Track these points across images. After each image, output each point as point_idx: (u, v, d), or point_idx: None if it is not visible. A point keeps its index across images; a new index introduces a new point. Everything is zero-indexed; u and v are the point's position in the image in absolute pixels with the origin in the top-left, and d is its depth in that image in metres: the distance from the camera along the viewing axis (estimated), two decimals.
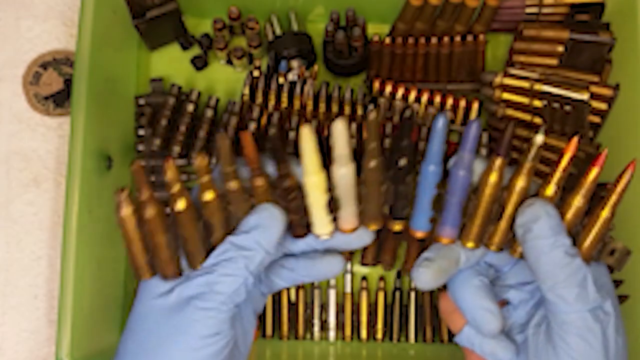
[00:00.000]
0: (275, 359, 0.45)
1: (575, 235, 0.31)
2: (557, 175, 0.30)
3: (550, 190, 0.30)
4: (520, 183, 0.30)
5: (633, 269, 0.42)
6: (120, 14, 0.46)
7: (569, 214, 0.31)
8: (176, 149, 0.45)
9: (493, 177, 0.30)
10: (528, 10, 0.48)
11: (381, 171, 0.32)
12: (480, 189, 0.31)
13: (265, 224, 0.31)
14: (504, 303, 0.35)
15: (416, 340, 0.48)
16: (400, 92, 0.47)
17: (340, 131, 0.30)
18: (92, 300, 0.42)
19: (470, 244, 0.32)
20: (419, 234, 0.33)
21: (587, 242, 0.31)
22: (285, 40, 0.48)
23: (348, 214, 0.32)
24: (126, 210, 0.31)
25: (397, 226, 0.33)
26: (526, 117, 0.46)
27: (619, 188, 0.31)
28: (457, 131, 0.48)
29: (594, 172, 0.30)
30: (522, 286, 0.34)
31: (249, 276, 0.30)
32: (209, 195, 0.31)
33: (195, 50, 0.51)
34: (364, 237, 0.33)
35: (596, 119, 0.46)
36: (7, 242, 0.49)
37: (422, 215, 0.32)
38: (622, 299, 0.43)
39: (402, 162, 0.32)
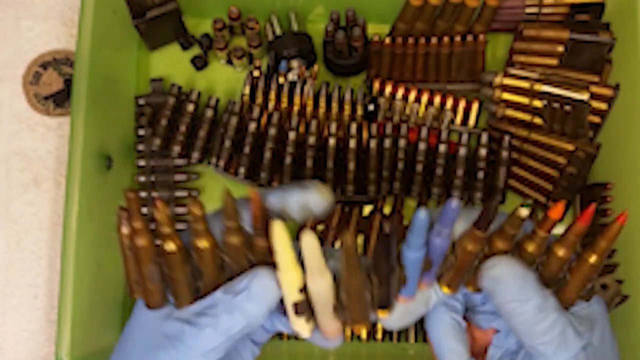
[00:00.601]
0: (275, 359, 0.45)
1: (559, 280, 0.31)
2: (540, 235, 0.30)
3: (531, 247, 0.30)
4: (500, 246, 0.30)
5: (633, 269, 0.43)
6: (120, 14, 0.46)
7: (553, 265, 0.30)
8: (176, 149, 0.45)
9: (470, 247, 0.30)
10: (528, 10, 0.48)
11: (364, 284, 0.30)
12: (458, 253, 0.31)
13: (258, 295, 0.29)
14: (494, 331, 0.35)
15: (416, 340, 0.48)
16: (400, 92, 0.47)
17: (309, 245, 0.28)
18: (91, 300, 0.42)
19: (446, 289, 0.32)
20: (403, 300, 0.32)
21: (573, 287, 0.30)
22: (285, 40, 0.48)
23: (326, 322, 0.31)
24: (125, 230, 0.30)
25: (383, 314, 0.32)
26: (526, 117, 0.46)
27: (609, 235, 0.30)
28: (457, 131, 0.48)
29: (579, 227, 0.29)
30: None
31: (226, 341, 0.29)
32: (202, 244, 0.29)
33: (195, 50, 0.51)
34: (337, 343, 0.32)
35: (596, 119, 0.46)
36: (7, 242, 0.49)
37: (410, 286, 0.32)
38: (622, 298, 0.43)
39: (385, 269, 0.31)
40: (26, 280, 0.49)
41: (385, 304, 0.32)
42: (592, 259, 0.30)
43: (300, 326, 0.31)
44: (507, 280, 0.29)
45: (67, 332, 0.39)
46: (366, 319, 0.31)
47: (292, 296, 0.29)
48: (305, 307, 0.30)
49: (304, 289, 0.29)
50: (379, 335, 0.48)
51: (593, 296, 0.32)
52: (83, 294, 0.41)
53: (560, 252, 0.30)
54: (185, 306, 0.30)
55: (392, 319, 0.32)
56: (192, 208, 0.29)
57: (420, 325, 0.48)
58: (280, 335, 0.47)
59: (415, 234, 0.30)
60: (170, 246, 0.29)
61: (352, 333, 0.48)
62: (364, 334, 0.47)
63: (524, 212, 0.29)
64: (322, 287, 0.29)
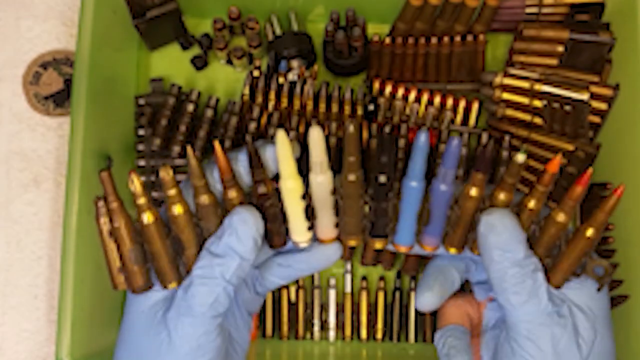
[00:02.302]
0: (275, 359, 0.45)
1: (555, 248, 0.32)
2: (539, 189, 0.31)
3: (532, 204, 0.31)
4: (502, 197, 0.31)
5: (633, 269, 0.43)
6: (120, 14, 0.46)
7: (551, 229, 0.31)
8: (176, 149, 0.45)
9: (473, 192, 0.31)
10: (528, 10, 0.48)
11: (361, 185, 0.31)
12: (460, 202, 0.31)
13: (238, 228, 0.30)
14: (491, 299, 0.37)
15: (416, 340, 0.48)
16: (400, 92, 0.47)
17: (316, 138, 0.30)
18: (92, 300, 0.42)
19: (452, 250, 0.33)
20: (403, 249, 0.33)
21: (567, 260, 0.31)
22: (285, 40, 0.48)
23: (325, 223, 0.32)
24: (102, 218, 0.31)
25: (378, 244, 0.33)
26: (526, 117, 0.46)
27: (606, 208, 0.31)
28: (457, 131, 0.48)
29: (577, 191, 0.30)
30: None
31: (226, 285, 0.30)
32: (177, 210, 0.30)
33: (195, 50, 0.51)
34: (338, 252, 0.33)
35: (596, 119, 0.46)
36: (7, 242, 0.49)
37: (407, 230, 0.32)
38: (622, 299, 0.43)
39: (382, 178, 0.31)
40: (26, 280, 0.49)
41: (380, 233, 0.32)
42: (589, 232, 0.31)
43: (302, 234, 0.32)
44: (499, 228, 0.31)
45: (67, 332, 0.39)
46: (360, 231, 0.32)
47: (295, 203, 0.31)
48: (310, 213, 0.31)
49: (304, 196, 0.31)
50: (379, 335, 0.48)
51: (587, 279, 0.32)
52: (83, 294, 0.41)
53: (559, 217, 0.31)
54: (171, 285, 0.31)
55: (432, 303, 0.34)
56: (162, 173, 0.30)
57: (420, 325, 0.48)
58: (280, 335, 0.48)
59: (416, 160, 0.30)
60: (148, 217, 0.30)
61: (352, 333, 0.48)
62: (364, 333, 0.48)
63: (521, 157, 0.30)
64: (323, 183, 0.31)
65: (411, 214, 0.32)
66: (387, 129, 0.32)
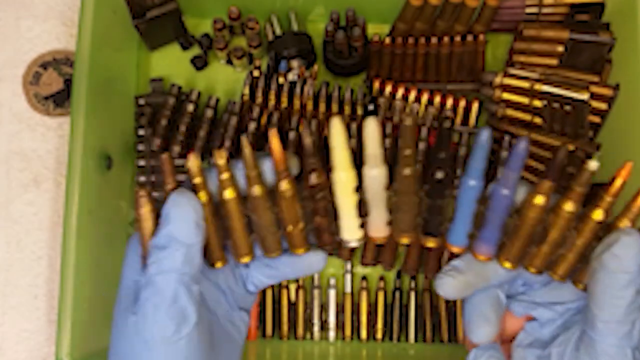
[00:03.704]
0: (275, 359, 0.45)
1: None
2: (607, 199, 0.29)
3: (599, 214, 0.29)
4: (569, 207, 0.29)
5: None
6: (120, 14, 0.46)
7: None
8: (176, 149, 0.45)
9: (539, 200, 0.28)
10: (528, 10, 0.48)
11: (416, 180, 0.29)
12: (523, 211, 0.29)
13: (171, 214, 0.28)
14: (529, 318, 0.34)
15: (416, 340, 0.48)
16: (400, 92, 0.47)
17: (372, 130, 0.28)
18: (91, 300, 0.42)
19: (507, 265, 0.30)
20: (456, 249, 0.31)
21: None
22: (285, 40, 0.48)
23: (378, 220, 0.30)
24: (146, 208, 0.29)
25: (431, 243, 0.31)
26: (526, 117, 0.46)
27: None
28: (457, 131, 0.48)
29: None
30: (553, 305, 0.33)
31: (181, 276, 0.28)
32: (229, 194, 0.29)
33: (195, 50, 0.51)
34: (323, 262, 0.32)
35: (596, 119, 0.46)
36: (7, 242, 0.49)
37: (460, 230, 0.30)
38: None
39: (439, 174, 0.29)
40: (26, 280, 0.49)
41: (435, 232, 0.30)
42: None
43: (354, 232, 0.30)
44: (636, 252, 0.28)
45: (67, 332, 0.39)
46: (414, 229, 0.30)
47: (348, 196, 0.29)
48: (362, 209, 0.29)
49: (358, 189, 0.29)
50: (379, 335, 0.48)
51: None
52: (83, 294, 0.41)
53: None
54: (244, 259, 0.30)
55: (454, 288, 0.31)
56: (217, 159, 0.28)
57: (420, 325, 0.48)
58: (280, 335, 0.48)
59: (477, 157, 0.28)
60: (202, 197, 0.29)
61: (352, 333, 0.48)
62: (364, 333, 0.47)
63: (594, 164, 0.28)
64: (378, 177, 0.29)
65: (467, 214, 0.30)
66: (446, 124, 0.30)
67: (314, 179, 0.29)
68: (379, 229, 0.30)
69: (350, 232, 0.30)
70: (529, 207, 0.29)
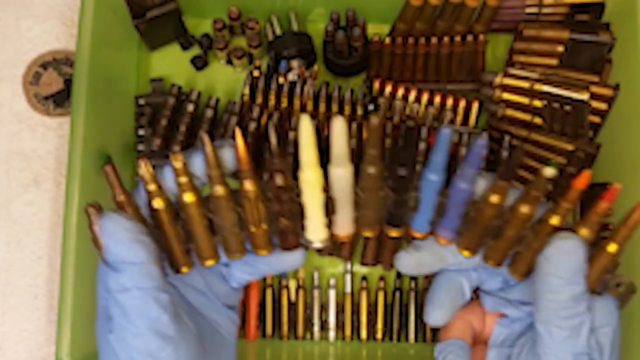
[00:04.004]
0: (275, 359, 0.45)
1: None
2: (564, 205, 0.30)
3: (555, 220, 0.30)
4: (524, 210, 0.30)
5: (634, 269, 0.42)
6: (120, 14, 0.46)
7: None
8: (176, 148, 0.45)
9: (494, 198, 0.30)
10: (528, 10, 0.48)
11: (380, 178, 0.30)
12: (479, 206, 0.30)
13: (106, 242, 0.27)
14: (500, 314, 0.35)
15: (416, 340, 0.48)
16: (400, 92, 0.47)
17: (339, 129, 0.29)
18: (91, 300, 0.42)
19: (465, 253, 0.32)
20: (418, 235, 0.33)
21: (591, 276, 0.30)
22: (285, 40, 0.48)
23: (344, 219, 0.31)
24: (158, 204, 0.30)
25: (394, 232, 0.32)
26: (526, 117, 0.46)
27: (630, 223, 0.29)
28: (457, 131, 0.48)
29: (602, 206, 0.30)
30: (523, 305, 0.34)
31: (145, 292, 0.27)
32: (188, 198, 0.28)
33: (195, 50, 0.51)
34: (300, 259, 0.32)
35: (596, 119, 0.46)
36: (7, 242, 0.49)
37: (423, 218, 0.32)
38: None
39: (402, 171, 0.31)
40: (26, 280, 0.49)
41: (398, 223, 0.32)
42: (612, 248, 0.29)
43: (319, 232, 0.30)
44: (571, 256, 0.29)
45: (67, 332, 0.39)
46: (378, 223, 0.32)
47: (315, 196, 0.29)
48: (331, 207, 0.30)
49: (325, 189, 0.29)
50: (379, 335, 0.48)
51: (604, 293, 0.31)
52: (83, 293, 0.41)
53: (582, 232, 0.30)
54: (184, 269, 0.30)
55: (408, 264, 0.33)
56: (174, 162, 0.28)
57: (420, 325, 0.48)
58: (280, 335, 0.48)
59: (438, 152, 0.30)
60: (159, 203, 0.29)
61: (352, 333, 0.48)
62: (364, 333, 0.47)
63: (550, 171, 0.29)
64: (345, 176, 0.29)
65: (429, 205, 0.31)
66: (410, 123, 0.32)
67: (279, 180, 0.29)
68: (344, 226, 0.31)
69: (315, 232, 0.30)
70: (484, 204, 0.30)
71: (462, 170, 0.30)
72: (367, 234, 0.32)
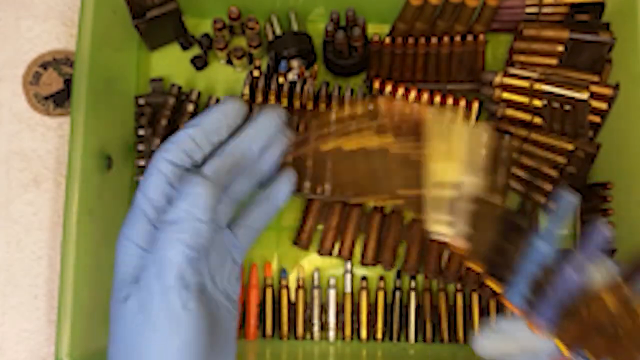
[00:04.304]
0: (275, 359, 0.45)
1: None
2: None
3: None
4: None
5: None
6: (120, 14, 0.46)
7: None
8: None
9: (611, 302, 0.25)
10: (528, 10, 0.48)
11: (499, 212, 0.28)
12: (592, 307, 0.26)
13: (191, 191, 0.29)
14: None
15: (416, 340, 0.48)
16: (400, 92, 0.47)
17: (483, 139, 0.28)
18: (91, 300, 0.42)
19: (562, 349, 0.27)
20: (509, 305, 0.29)
21: None
22: (285, 40, 0.48)
23: (459, 230, 0.29)
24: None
25: (491, 283, 0.29)
26: (526, 116, 0.46)
27: None
28: None
29: None
30: None
31: (189, 253, 0.29)
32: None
33: (195, 50, 0.51)
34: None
35: (596, 119, 0.46)
36: (7, 242, 0.49)
37: (517, 288, 0.28)
38: None
39: (523, 222, 0.28)
40: (26, 280, 0.49)
41: (500, 276, 0.28)
42: None
43: (441, 226, 0.29)
44: None
45: (66, 332, 0.39)
46: (481, 260, 0.29)
47: (445, 186, 0.28)
48: (455, 208, 0.28)
49: (456, 188, 0.28)
50: (379, 335, 0.48)
51: None
52: (83, 293, 0.41)
53: None
54: None
55: (487, 347, 0.29)
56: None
57: (420, 325, 0.48)
58: (280, 335, 0.48)
59: (557, 221, 0.26)
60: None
61: (352, 333, 0.48)
62: (364, 333, 0.47)
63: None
64: (475, 186, 0.28)
65: (525, 276, 0.27)
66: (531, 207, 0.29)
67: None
68: (459, 239, 0.29)
69: (438, 225, 0.29)
70: (599, 309, 0.25)
71: (576, 258, 0.26)
72: (473, 265, 0.29)
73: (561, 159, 0.45)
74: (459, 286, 0.48)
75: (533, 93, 0.45)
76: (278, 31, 0.49)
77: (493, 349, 0.29)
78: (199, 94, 0.46)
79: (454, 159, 0.28)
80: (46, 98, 0.51)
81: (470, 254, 0.29)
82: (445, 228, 0.29)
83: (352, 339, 0.48)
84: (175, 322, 0.28)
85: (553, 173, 0.46)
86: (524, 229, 0.28)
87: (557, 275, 0.26)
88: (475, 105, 0.47)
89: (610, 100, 0.45)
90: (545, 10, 0.48)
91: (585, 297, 0.26)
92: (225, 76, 0.51)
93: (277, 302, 0.48)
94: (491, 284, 0.29)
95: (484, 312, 0.47)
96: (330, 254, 0.47)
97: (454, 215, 0.29)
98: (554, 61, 0.47)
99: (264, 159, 0.36)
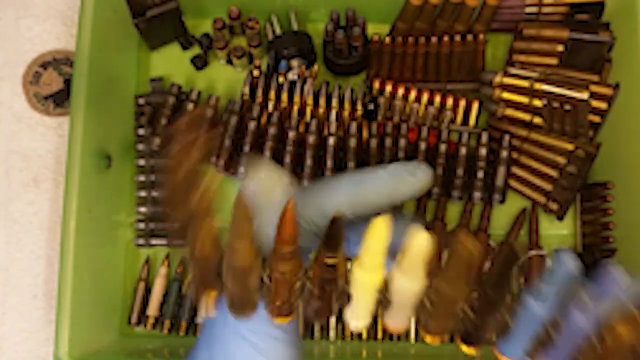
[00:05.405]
0: None
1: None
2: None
3: None
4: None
5: (634, 269, 0.42)
6: (120, 13, 0.46)
7: None
8: None
9: (625, 333, 0.23)
10: (528, 9, 0.48)
11: (458, 299, 0.25)
12: (607, 340, 0.24)
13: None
14: None
15: (416, 340, 0.47)
16: (400, 91, 0.47)
17: (423, 247, 0.24)
18: (90, 299, 0.42)
19: None
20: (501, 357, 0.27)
21: None
22: (285, 40, 0.48)
23: (399, 320, 0.27)
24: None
25: (466, 348, 0.27)
26: (526, 116, 0.46)
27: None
28: (457, 131, 0.48)
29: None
30: None
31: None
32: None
33: (195, 50, 0.51)
34: None
35: (596, 119, 0.46)
36: (7, 242, 0.49)
37: (517, 344, 0.26)
38: None
39: (492, 293, 0.25)
40: (26, 280, 0.49)
41: (475, 342, 0.26)
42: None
43: (362, 319, 0.27)
44: None
45: (65, 331, 0.39)
46: (445, 332, 0.27)
47: (368, 295, 0.26)
48: (386, 304, 0.26)
49: (381, 290, 0.26)
50: (379, 335, 0.48)
51: None
52: (82, 293, 0.41)
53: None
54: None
55: None
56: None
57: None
58: None
59: (552, 280, 0.24)
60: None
61: (352, 332, 0.48)
62: (364, 333, 0.47)
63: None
64: (412, 290, 0.25)
65: (525, 333, 0.25)
66: (509, 252, 0.24)
67: (330, 273, 0.25)
68: (397, 324, 0.27)
69: (359, 319, 0.27)
70: (614, 341, 0.23)
71: (582, 300, 0.24)
72: (428, 340, 0.27)
73: (561, 159, 0.45)
74: None
75: (533, 93, 0.45)
76: (278, 31, 0.49)
77: None
78: (199, 93, 0.46)
79: (380, 270, 0.25)
80: (46, 98, 0.51)
81: (421, 330, 0.27)
82: (367, 319, 0.27)
83: (352, 338, 0.48)
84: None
85: (553, 173, 0.46)
86: (496, 301, 0.25)
87: (564, 323, 0.24)
88: (475, 105, 0.47)
89: (610, 100, 0.45)
90: (545, 10, 0.48)
91: (597, 334, 0.24)
92: (225, 76, 0.51)
93: None
94: (464, 348, 0.27)
95: None
96: None
97: (390, 309, 0.27)
98: (554, 61, 0.47)
99: None
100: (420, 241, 0.24)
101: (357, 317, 0.27)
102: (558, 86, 0.45)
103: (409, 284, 0.25)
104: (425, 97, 0.47)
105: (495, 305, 0.25)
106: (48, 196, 0.50)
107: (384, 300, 0.26)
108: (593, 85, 0.45)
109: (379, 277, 0.25)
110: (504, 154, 0.46)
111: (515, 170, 0.47)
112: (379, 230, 0.24)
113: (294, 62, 0.48)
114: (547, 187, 0.46)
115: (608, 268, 0.23)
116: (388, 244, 0.24)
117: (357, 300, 0.26)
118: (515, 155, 0.47)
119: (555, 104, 0.45)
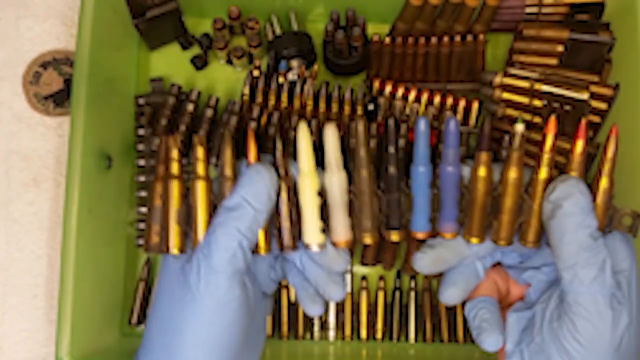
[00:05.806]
0: (275, 359, 0.45)
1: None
2: (545, 156, 0.31)
3: (544, 173, 0.31)
4: (512, 174, 0.31)
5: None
6: (120, 13, 0.46)
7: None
8: None
9: (481, 172, 0.31)
10: (528, 10, 0.48)
11: (373, 180, 0.31)
12: (471, 185, 0.31)
13: (251, 179, 0.30)
14: (528, 285, 0.35)
15: (416, 340, 0.48)
16: (400, 91, 0.47)
17: (331, 136, 0.30)
18: (91, 299, 0.42)
19: (474, 240, 0.32)
20: (420, 235, 0.33)
21: (597, 215, 0.31)
22: (285, 40, 0.48)
23: (339, 224, 0.32)
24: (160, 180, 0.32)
25: (394, 236, 0.33)
26: (526, 117, 0.46)
27: (609, 155, 0.31)
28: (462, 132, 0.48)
29: (579, 145, 0.31)
30: (543, 267, 0.34)
31: (242, 239, 0.30)
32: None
33: (195, 50, 0.51)
34: (342, 262, 0.33)
35: (596, 119, 0.46)
36: (7, 242, 0.49)
37: (421, 216, 0.32)
38: None
39: (392, 169, 0.32)
40: (26, 280, 0.49)
41: (397, 225, 0.32)
42: (603, 183, 0.31)
43: (316, 236, 0.31)
44: (577, 194, 0.30)
45: (66, 331, 0.39)
46: (376, 228, 0.32)
47: (312, 199, 0.31)
48: (326, 212, 0.31)
49: (320, 193, 0.31)
50: (379, 335, 0.48)
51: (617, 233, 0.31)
52: (83, 293, 0.41)
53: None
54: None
55: (426, 263, 0.34)
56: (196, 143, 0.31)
57: (420, 325, 0.48)
58: (280, 335, 0.48)
59: (419, 145, 0.31)
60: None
61: (352, 332, 0.48)
62: (363, 333, 0.47)
63: (520, 127, 0.31)
64: (339, 182, 0.31)
65: (423, 200, 0.32)
66: (391, 121, 0.32)
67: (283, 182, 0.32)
68: (341, 232, 0.32)
69: (313, 236, 0.31)
70: (475, 180, 0.31)
71: (444, 153, 0.31)
72: (366, 240, 0.32)
73: (561, 159, 0.45)
74: None
75: (533, 93, 0.45)
76: (278, 31, 0.49)
77: (429, 261, 0.33)
78: (199, 93, 0.46)
79: (313, 169, 0.31)
80: (46, 98, 0.51)
81: (358, 233, 0.33)
82: (320, 236, 0.32)
83: (352, 338, 0.48)
84: (220, 305, 0.30)
85: (553, 173, 0.45)
86: (397, 175, 0.32)
87: (439, 179, 0.31)
88: (475, 105, 0.47)
89: (610, 100, 0.45)
90: (545, 10, 0.48)
91: (466, 186, 0.32)
92: (225, 76, 0.51)
93: (277, 302, 0.48)
94: (393, 236, 0.32)
95: None
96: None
97: (331, 218, 0.32)
98: (553, 61, 0.47)
99: None
100: (329, 134, 0.30)
101: (311, 233, 0.31)
102: (558, 86, 0.45)
103: (335, 176, 0.31)
104: (425, 97, 0.47)
105: (396, 180, 0.32)
106: (48, 196, 0.50)
107: (324, 207, 0.31)
108: (593, 86, 0.45)
109: (315, 178, 0.31)
110: (504, 154, 0.46)
111: None
112: (301, 134, 0.30)
113: (294, 62, 0.48)
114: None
115: (447, 122, 0.31)
116: (311, 144, 0.30)
117: (306, 212, 0.31)
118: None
119: (555, 104, 0.45)
